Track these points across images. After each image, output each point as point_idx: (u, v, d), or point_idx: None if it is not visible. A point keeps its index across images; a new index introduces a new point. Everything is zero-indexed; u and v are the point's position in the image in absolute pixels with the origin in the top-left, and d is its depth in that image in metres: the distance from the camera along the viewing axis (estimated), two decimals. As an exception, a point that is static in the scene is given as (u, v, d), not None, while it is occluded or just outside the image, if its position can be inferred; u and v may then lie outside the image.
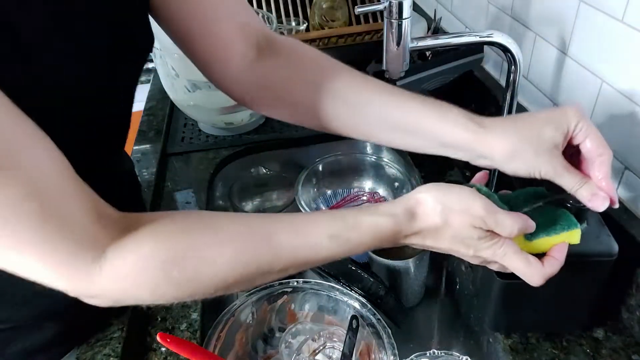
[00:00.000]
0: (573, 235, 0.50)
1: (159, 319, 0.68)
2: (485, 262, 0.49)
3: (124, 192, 0.69)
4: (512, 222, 0.46)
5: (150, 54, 0.94)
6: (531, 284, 0.48)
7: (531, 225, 0.47)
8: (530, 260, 0.47)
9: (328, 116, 0.58)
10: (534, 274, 0.47)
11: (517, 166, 0.50)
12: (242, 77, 0.60)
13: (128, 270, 0.41)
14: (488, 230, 0.46)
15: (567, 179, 0.48)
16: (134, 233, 0.42)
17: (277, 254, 0.46)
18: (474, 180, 0.54)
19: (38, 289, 0.47)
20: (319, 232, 0.46)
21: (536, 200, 0.53)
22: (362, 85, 0.57)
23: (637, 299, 0.60)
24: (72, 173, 0.40)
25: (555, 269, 0.48)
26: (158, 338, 0.51)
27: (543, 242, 0.49)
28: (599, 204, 0.48)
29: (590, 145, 0.48)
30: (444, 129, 0.53)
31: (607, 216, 0.60)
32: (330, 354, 0.67)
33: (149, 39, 0.57)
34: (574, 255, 0.54)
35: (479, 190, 0.47)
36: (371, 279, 0.69)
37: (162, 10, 0.57)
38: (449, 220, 0.46)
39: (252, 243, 0.45)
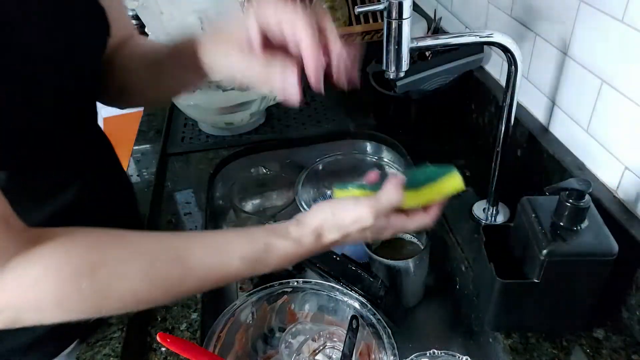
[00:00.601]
0: (454, 180, 0.54)
1: (159, 319, 0.68)
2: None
3: (109, 174, 0.69)
4: (390, 191, 0.51)
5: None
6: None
7: (400, 177, 0.53)
8: (416, 219, 0.54)
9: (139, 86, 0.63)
10: (424, 223, 0.54)
11: (219, 64, 0.53)
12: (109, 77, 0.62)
13: (33, 280, 0.41)
14: (384, 215, 0.51)
15: (255, 66, 0.49)
16: (42, 245, 0.42)
17: (189, 270, 0.47)
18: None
19: None
20: (231, 252, 0.48)
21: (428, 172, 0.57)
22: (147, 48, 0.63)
23: (637, 299, 0.60)
24: None
25: (438, 211, 0.55)
26: (158, 338, 0.51)
27: (429, 191, 0.54)
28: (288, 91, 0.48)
29: (290, 34, 0.46)
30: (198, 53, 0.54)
31: (607, 216, 0.60)
32: (330, 354, 0.67)
33: None
34: (574, 255, 0.54)
35: (360, 188, 0.55)
36: (371, 279, 0.69)
37: None
38: (348, 232, 0.52)
39: (164, 259, 0.46)
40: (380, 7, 0.55)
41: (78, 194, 0.58)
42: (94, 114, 0.63)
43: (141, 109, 1.17)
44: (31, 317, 0.43)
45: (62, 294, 0.42)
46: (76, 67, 0.52)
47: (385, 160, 0.99)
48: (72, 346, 0.64)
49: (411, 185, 0.53)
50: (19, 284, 0.40)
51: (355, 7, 0.56)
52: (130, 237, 0.46)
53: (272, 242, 0.50)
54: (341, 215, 0.51)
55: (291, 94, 0.47)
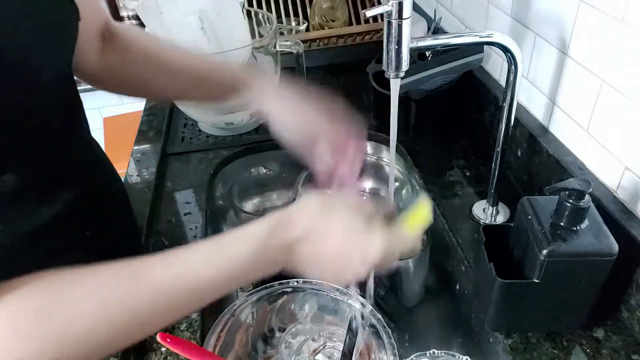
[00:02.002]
0: (423, 208, 0.51)
1: (159, 319, 0.68)
2: (382, 258, 0.47)
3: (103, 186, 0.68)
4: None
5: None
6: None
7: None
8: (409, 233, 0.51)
9: (154, 86, 0.69)
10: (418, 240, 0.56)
11: (277, 120, 0.63)
12: (95, 66, 0.64)
13: None
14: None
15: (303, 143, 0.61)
16: None
17: (156, 289, 0.43)
18: None
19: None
20: (193, 256, 0.45)
21: None
22: (169, 52, 0.68)
23: (637, 299, 0.60)
24: None
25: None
26: (158, 338, 0.51)
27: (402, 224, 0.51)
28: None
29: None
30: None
31: (607, 216, 0.60)
32: (330, 354, 0.67)
33: None
34: (574, 255, 0.54)
35: None
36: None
37: None
38: (335, 209, 0.47)
39: (126, 283, 0.42)
40: (388, 9, 0.55)
41: (69, 199, 0.57)
42: (80, 112, 0.61)
43: (141, 108, 1.17)
44: None
45: (19, 337, 0.39)
46: (50, 61, 0.50)
47: (385, 160, 0.99)
48: None
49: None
50: None
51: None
52: (86, 274, 0.43)
53: (238, 231, 0.46)
54: (330, 197, 0.49)
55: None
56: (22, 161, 0.50)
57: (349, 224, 0.47)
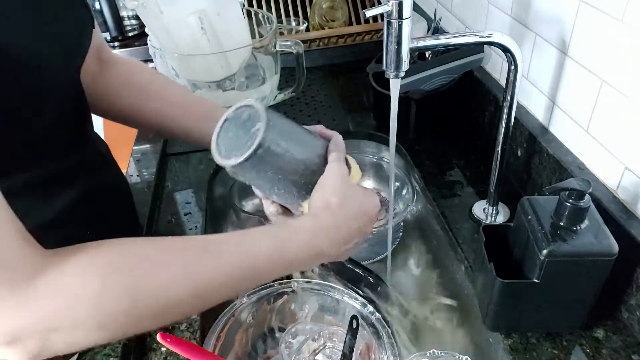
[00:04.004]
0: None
1: (159, 319, 0.68)
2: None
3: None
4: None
5: (150, 53, 0.94)
6: None
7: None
8: None
9: (144, 116, 0.70)
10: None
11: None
12: (87, 89, 0.64)
13: (66, 281, 0.38)
14: None
15: None
16: (71, 259, 0.39)
17: (230, 262, 0.47)
18: None
19: None
20: (257, 235, 0.50)
21: None
22: (161, 85, 0.72)
23: (637, 299, 0.60)
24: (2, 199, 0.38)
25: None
26: (158, 338, 0.51)
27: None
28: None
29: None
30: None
31: (607, 216, 0.60)
32: (330, 354, 0.67)
33: None
34: (574, 255, 0.54)
35: None
36: (371, 279, 0.69)
37: None
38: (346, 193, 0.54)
39: (198, 254, 0.45)
40: (388, 9, 0.55)
41: (75, 197, 0.58)
42: (87, 113, 0.63)
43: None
44: (63, 338, 0.39)
45: (95, 293, 0.39)
46: (61, 65, 0.51)
47: (385, 160, 0.99)
48: None
49: None
50: (53, 287, 0.38)
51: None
52: (161, 241, 0.46)
53: (291, 222, 0.53)
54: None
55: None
56: (31, 161, 0.51)
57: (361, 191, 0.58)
